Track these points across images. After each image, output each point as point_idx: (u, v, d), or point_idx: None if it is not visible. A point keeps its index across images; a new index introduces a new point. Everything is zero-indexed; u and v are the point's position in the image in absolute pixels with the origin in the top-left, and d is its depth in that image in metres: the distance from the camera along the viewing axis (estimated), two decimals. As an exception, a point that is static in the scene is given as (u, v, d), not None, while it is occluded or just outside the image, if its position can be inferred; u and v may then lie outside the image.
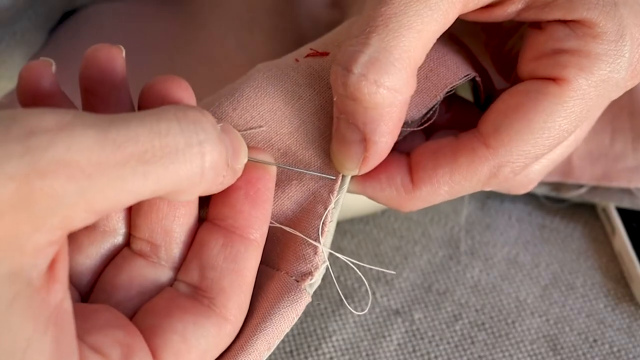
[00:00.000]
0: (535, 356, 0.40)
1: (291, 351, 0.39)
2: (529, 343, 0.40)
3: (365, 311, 0.41)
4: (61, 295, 0.22)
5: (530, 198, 0.46)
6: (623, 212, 0.44)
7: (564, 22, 0.29)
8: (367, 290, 0.42)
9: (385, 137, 0.29)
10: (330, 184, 0.30)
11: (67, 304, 0.22)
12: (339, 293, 0.41)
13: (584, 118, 0.30)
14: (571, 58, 0.28)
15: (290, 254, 0.30)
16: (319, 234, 0.29)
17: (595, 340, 0.41)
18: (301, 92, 0.31)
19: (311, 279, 0.29)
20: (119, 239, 0.29)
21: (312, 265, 0.29)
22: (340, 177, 0.30)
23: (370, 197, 0.31)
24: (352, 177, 0.31)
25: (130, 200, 0.22)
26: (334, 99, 0.29)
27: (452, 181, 0.30)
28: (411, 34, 0.27)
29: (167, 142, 0.22)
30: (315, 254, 0.29)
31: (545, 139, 0.29)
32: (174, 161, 0.22)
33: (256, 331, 0.28)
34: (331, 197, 0.30)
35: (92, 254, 0.29)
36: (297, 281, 0.29)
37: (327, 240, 0.30)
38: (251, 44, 0.49)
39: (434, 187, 0.30)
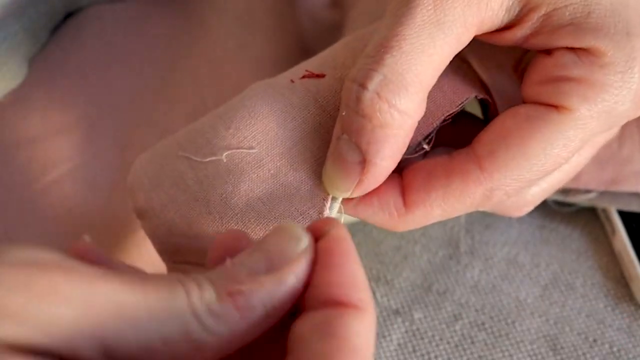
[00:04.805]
0: (535, 356, 0.40)
1: (291, 351, 0.39)
2: (529, 343, 0.40)
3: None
4: None
5: (531, 198, 0.46)
6: (623, 213, 0.44)
7: (572, 49, 0.28)
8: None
9: (386, 160, 0.28)
10: (320, 205, 0.29)
11: None
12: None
13: (581, 147, 0.29)
14: (576, 87, 0.28)
15: None
16: None
17: (595, 340, 0.41)
18: (295, 114, 0.31)
19: None
20: None
21: None
22: (330, 199, 0.29)
23: (362, 220, 0.31)
24: (344, 200, 0.30)
25: None
26: (342, 115, 0.28)
27: (445, 204, 0.29)
28: (423, 58, 0.27)
29: None
30: None
31: (541, 166, 0.28)
32: None
33: None
34: (320, 217, 0.29)
35: None
36: None
37: None
38: (251, 44, 0.49)
39: (427, 210, 0.30)
